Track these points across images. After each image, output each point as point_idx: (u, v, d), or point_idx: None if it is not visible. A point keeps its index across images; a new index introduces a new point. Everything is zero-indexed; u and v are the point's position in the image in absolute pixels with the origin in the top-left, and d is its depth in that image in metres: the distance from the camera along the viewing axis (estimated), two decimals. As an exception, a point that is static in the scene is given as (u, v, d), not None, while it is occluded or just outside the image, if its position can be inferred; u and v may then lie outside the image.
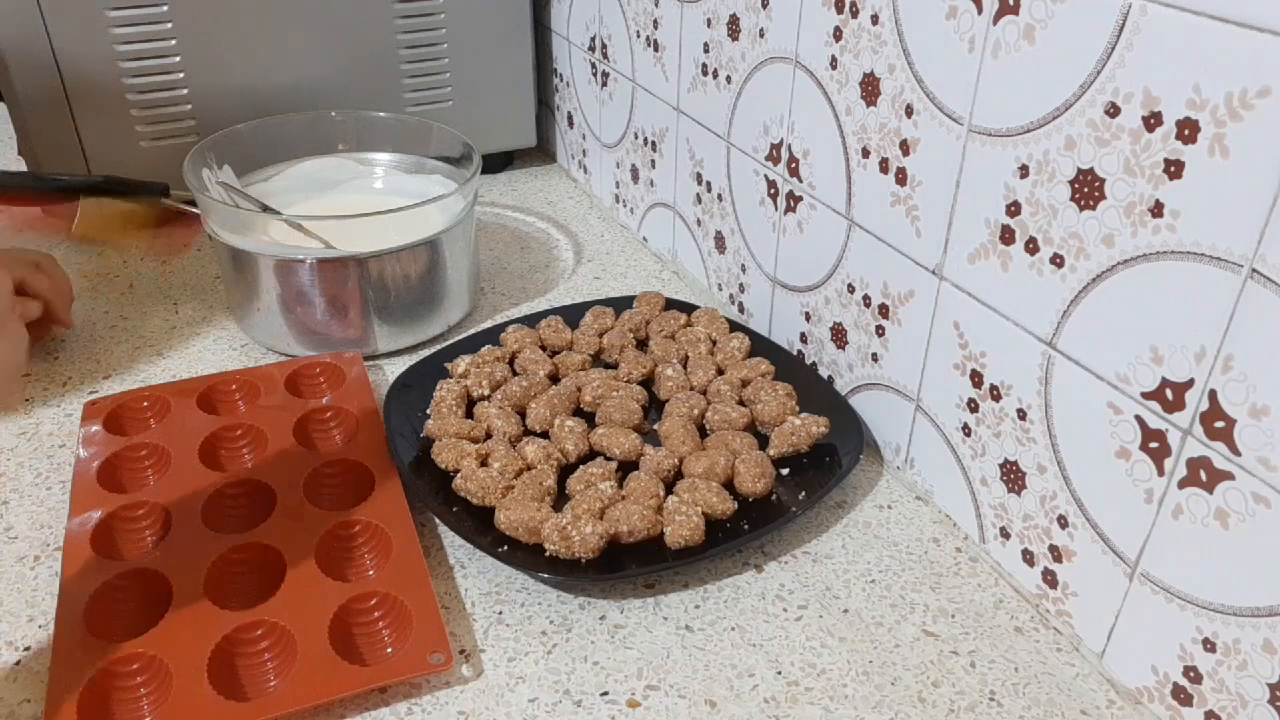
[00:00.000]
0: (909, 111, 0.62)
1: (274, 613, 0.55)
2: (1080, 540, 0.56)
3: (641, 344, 0.82)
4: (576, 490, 0.64)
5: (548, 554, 0.59)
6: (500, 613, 0.59)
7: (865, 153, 0.67)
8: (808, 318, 0.77)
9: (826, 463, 0.68)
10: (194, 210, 0.83)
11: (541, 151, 1.23)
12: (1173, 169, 0.46)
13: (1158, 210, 0.47)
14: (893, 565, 0.63)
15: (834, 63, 0.68)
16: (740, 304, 0.88)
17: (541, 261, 0.99)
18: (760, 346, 0.79)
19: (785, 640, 0.57)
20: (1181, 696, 0.51)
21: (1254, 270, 0.44)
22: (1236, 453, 0.46)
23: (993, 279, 0.58)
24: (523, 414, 0.71)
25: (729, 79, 0.81)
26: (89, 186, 0.82)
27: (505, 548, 0.60)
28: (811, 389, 0.74)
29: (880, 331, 0.69)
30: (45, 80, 0.88)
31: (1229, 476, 0.47)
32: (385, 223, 0.78)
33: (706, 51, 0.83)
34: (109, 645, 0.52)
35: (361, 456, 0.67)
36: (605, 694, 0.54)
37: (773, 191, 0.78)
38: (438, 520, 0.64)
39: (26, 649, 0.55)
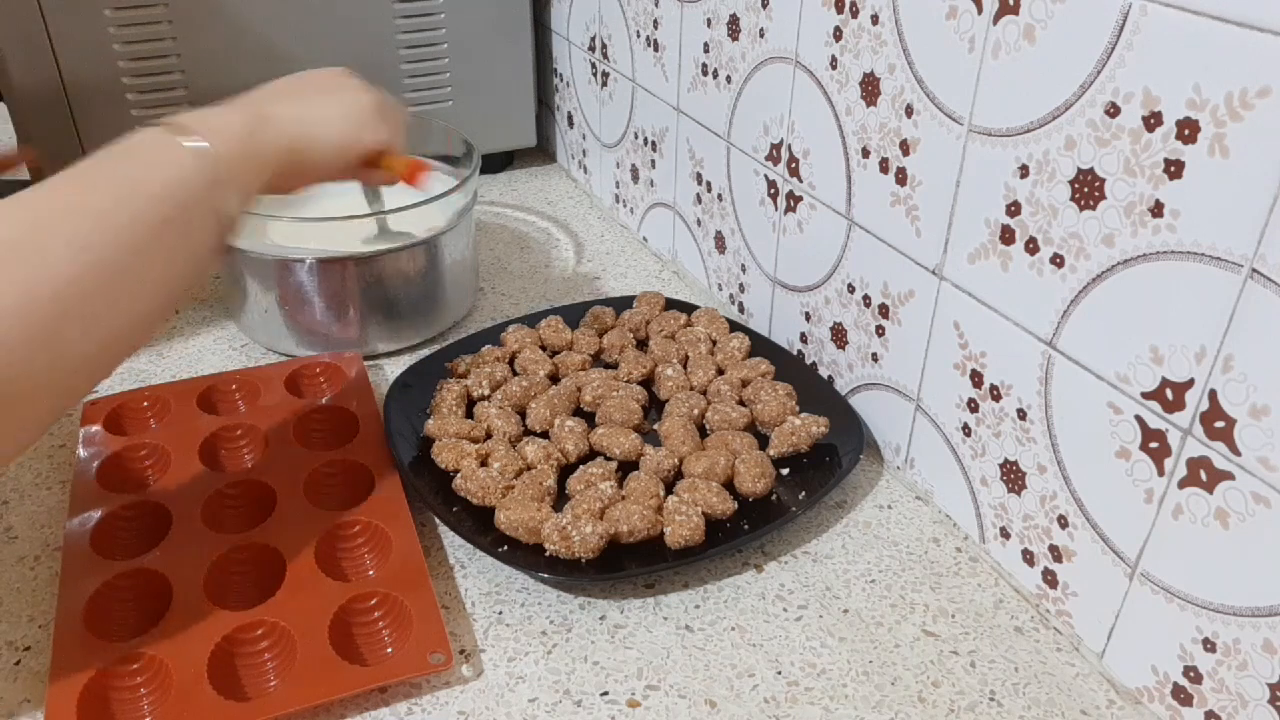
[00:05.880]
0: (909, 111, 0.62)
1: (274, 613, 0.55)
2: (1080, 540, 0.56)
3: (641, 344, 0.82)
4: (576, 490, 0.64)
5: (548, 554, 0.59)
6: (500, 613, 0.59)
7: (865, 153, 0.67)
8: (808, 318, 0.77)
9: (826, 463, 0.68)
10: None
11: (541, 151, 1.23)
12: (1173, 169, 0.46)
13: (1158, 210, 0.47)
14: (893, 565, 0.63)
15: (834, 63, 0.68)
16: (740, 304, 0.88)
17: (541, 261, 0.99)
18: (760, 346, 0.79)
19: (785, 640, 0.57)
20: (1181, 696, 0.51)
21: (1254, 270, 0.44)
22: (1236, 453, 0.46)
23: (993, 279, 0.58)
24: (523, 414, 0.71)
25: (729, 79, 0.81)
26: None
27: (505, 548, 0.60)
28: (811, 389, 0.74)
29: (880, 331, 0.69)
30: (45, 80, 0.88)
31: (1229, 476, 0.47)
32: (384, 222, 0.78)
33: (706, 51, 0.83)
34: (109, 645, 0.52)
35: (361, 456, 0.67)
36: (605, 694, 0.54)
37: (773, 191, 0.78)
38: (438, 520, 0.64)
39: (26, 649, 0.55)
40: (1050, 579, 0.59)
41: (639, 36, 0.93)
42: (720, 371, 0.77)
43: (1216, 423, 0.47)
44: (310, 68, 0.98)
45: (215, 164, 0.51)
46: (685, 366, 0.77)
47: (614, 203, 1.08)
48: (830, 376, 0.76)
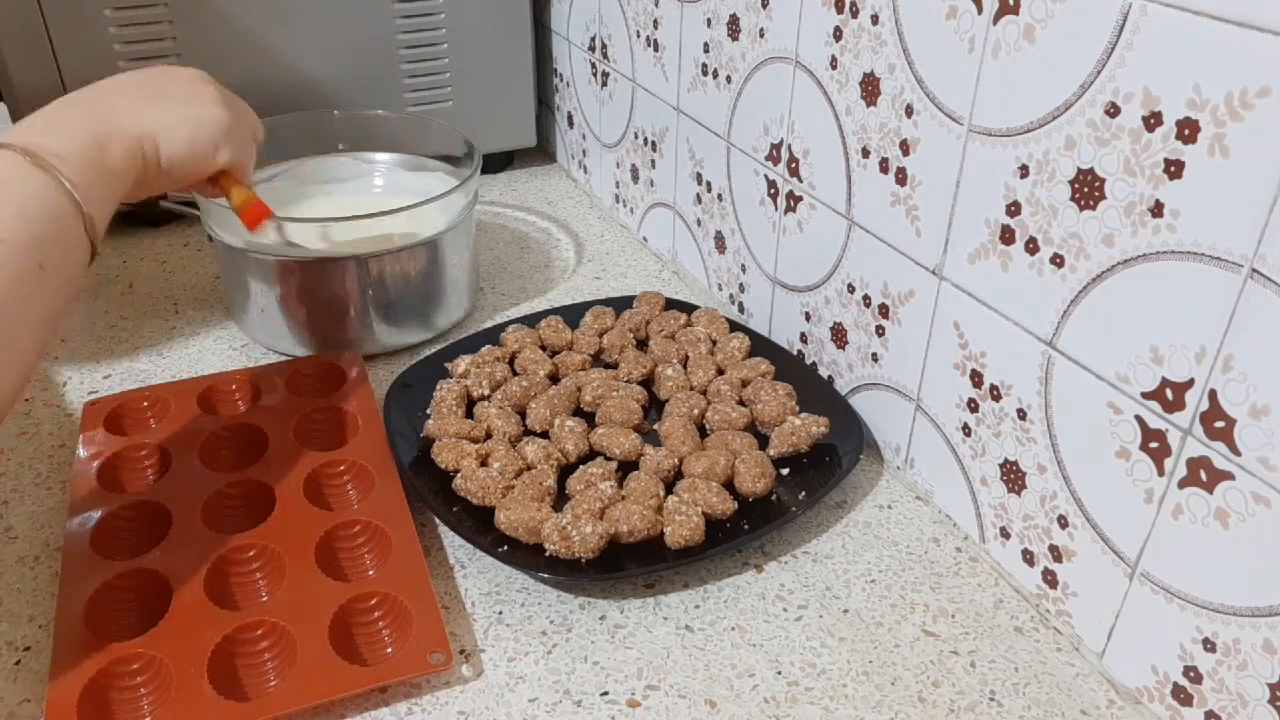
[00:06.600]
0: (909, 111, 0.62)
1: (274, 613, 0.55)
2: (1080, 540, 0.56)
3: (641, 344, 0.82)
4: (576, 490, 0.64)
5: (548, 554, 0.59)
6: (500, 613, 0.59)
7: (865, 153, 0.67)
8: (808, 318, 0.77)
9: (826, 463, 0.68)
10: (193, 211, 0.83)
11: (541, 151, 1.23)
12: (1173, 169, 0.46)
13: (1158, 210, 0.47)
14: (893, 565, 0.63)
15: (834, 63, 0.68)
16: (740, 304, 0.88)
17: (541, 261, 0.99)
18: (760, 346, 0.79)
19: (785, 640, 0.57)
20: (1181, 696, 0.51)
21: (1254, 270, 0.44)
22: (1236, 453, 0.46)
23: (993, 279, 0.58)
24: (523, 414, 0.71)
25: (729, 79, 0.81)
26: None
27: (505, 548, 0.60)
28: (811, 389, 0.74)
29: (880, 331, 0.69)
30: (45, 80, 0.88)
31: (1229, 476, 0.47)
32: (385, 222, 0.78)
33: (706, 51, 0.83)
34: (109, 645, 0.52)
35: (361, 456, 0.67)
36: (605, 694, 0.54)
37: (773, 191, 0.78)
38: (438, 520, 0.64)
39: (26, 649, 0.55)
40: (1050, 579, 0.59)
41: (639, 36, 0.93)
42: (720, 371, 0.77)
43: (1216, 423, 0.47)
44: (310, 67, 0.99)
45: (74, 194, 0.49)
46: (685, 366, 0.77)
47: (614, 203, 1.08)
48: (830, 376, 0.76)
